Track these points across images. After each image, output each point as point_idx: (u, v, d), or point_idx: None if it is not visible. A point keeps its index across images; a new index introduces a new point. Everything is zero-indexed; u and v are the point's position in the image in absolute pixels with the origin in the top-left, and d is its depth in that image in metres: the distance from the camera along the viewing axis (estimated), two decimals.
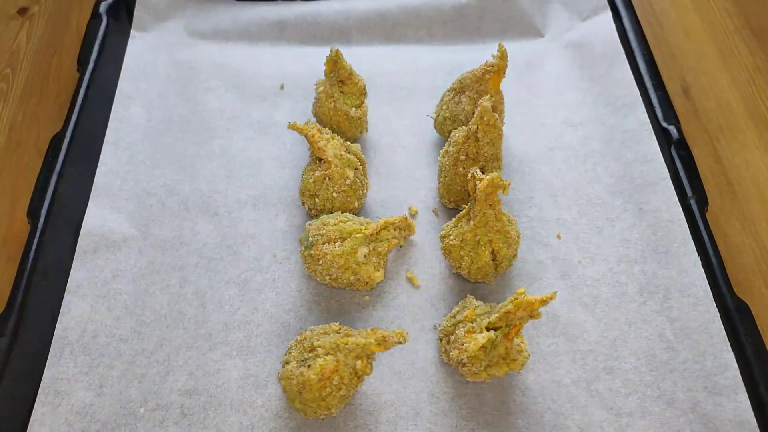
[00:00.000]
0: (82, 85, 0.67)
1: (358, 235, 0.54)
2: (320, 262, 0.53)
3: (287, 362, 0.49)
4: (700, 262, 0.57)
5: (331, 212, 0.57)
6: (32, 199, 0.59)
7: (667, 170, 0.62)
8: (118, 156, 0.65)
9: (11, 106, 0.71)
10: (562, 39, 0.76)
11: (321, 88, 0.63)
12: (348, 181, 0.57)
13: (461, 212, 0.56)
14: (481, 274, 0.55)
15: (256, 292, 0.57)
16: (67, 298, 0.55)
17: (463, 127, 0.60)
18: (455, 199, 0.61)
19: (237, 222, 0.62)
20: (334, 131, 0.63)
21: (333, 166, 0.56)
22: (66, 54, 0.76)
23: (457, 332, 0.50)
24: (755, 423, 0.49)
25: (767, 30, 0.78)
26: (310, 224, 0.55)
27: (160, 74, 0.72)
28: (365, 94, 0.65)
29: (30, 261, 0.55)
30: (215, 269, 0.58)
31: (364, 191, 0.60)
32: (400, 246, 0.59)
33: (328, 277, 0.54)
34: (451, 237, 0.55)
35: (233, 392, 0.52)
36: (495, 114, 0.56)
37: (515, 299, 0.47)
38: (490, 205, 0.52)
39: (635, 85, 0.69)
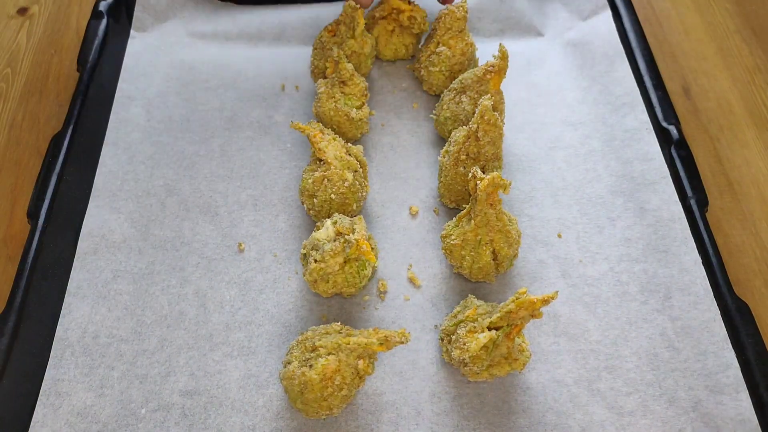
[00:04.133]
0: (82, 85, 0.67)
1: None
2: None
3: (289, 362, 0.49)
4: (700, 261, 0.57)
5: (329, 213, 0.57)
6: (32, 199, 0.59)
7: (667, 169, 0.63)
8: (118, 156, 0.65)
9: (11, 106, 0.71)
10: (562, 38, 0.76)
11: (322, 89, 0.63)
12: (347, 184, 0.57)
13: (462, 212, 0.56)
14: (482, 273, 0.55)
15: (256, 293, 0.57)
16: (67, 299, 0.55)
17: (464, 126, 0.60)
18: (456, 198, 0.61)
19: (237, 222, 0.61)
20: (334, 132, 0.63)
21: (332, 167, 0.56)
22: (66, 54, 0.75)
23: (458, 332, 0.50)
24: (756, 422, 0.49)
25: (767, 30, 0.78)
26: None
27: (159, 74, 0.72)
28: (366, 95, 0.65)
29: (30, 261, 0.55)
30: (216, 269, 0.58)
31: (364, 194, 0.60)
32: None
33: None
34: (452, 237, 0.55)
35: (234, 393, 0.52)
36: (495, 113, 0.56)
37: (517, 299, 0.47)
38: (491, 204, 0.52)
39: (635, 84, 0.69)
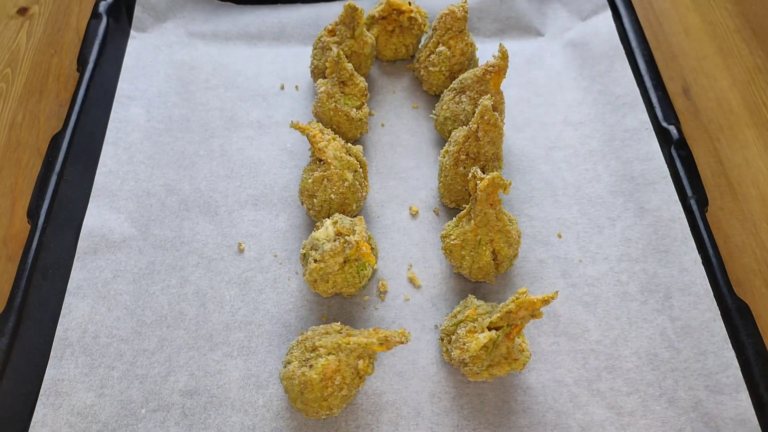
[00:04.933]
0: (82, 85, 0.67)
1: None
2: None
3: (289, 362, 0.49)
4: (700, 261, 0.57)
5: (329, 213, 0.57)
6: (32, 199, 0.59)
7: (667, 169, 0.63)
8: (118, 156, 0.65)
9: (11, 106, 0.71)
10: (561, 38, 0.77)
11: (322, 89, 0.63)
12: (346, 184, 0.57)
13: (462, 212, 0.56)
14: (482, 273, 0.55)
15: (256, 292, 0.57)
16: (67, 299, 0.55)
17: (464, 126, 0.60)
18: (456, 198, 0.61)
19: (237, 222, 0.61)
20: (334, 132, 0.63)
21: (332, 167, 0.56)
22: (66, 54, 0.75)
23: (458, 332, 0.50)
24: (756, 422, 0.49)
25: (767, 30, 0.78)
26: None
27: (159, 74, 0.72)
28: (366, 95, 0.65)
29: (30, 261, 0.55)
30: (216, 269, 0.58)
31: (364, 194, 0.60)
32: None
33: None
34: (452, 237, 0.55)
35: (234, 392, 0.52)
36: (495, 113, 0.56)
37: (517, 299, 0.47)
38: (491, 204, 0.52)
39: (635, 84, 0.69)
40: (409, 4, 0.70)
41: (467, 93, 0.63)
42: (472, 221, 0.53)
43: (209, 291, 0.57)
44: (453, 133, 0.60)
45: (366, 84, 0.65)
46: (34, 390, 0.51)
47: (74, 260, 0.57)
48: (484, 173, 0.54)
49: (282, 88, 0.72)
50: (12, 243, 0.61)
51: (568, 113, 0.70)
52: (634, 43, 0.72)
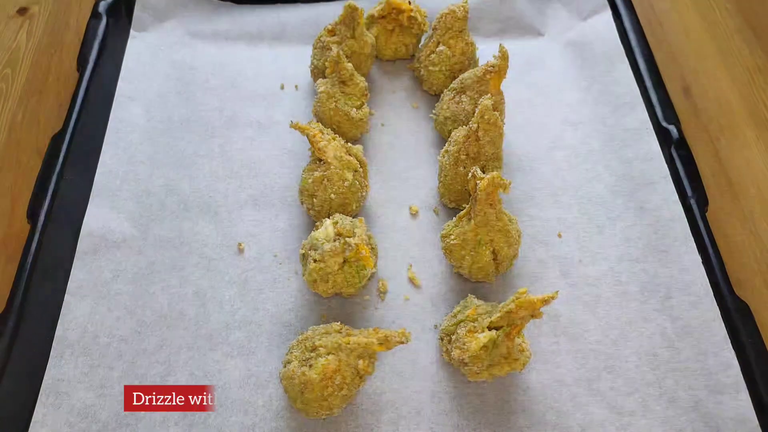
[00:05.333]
0: (82, 85, 0.67)
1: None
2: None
3: (289, 362, 0.49)
4: (700, 260, 0.57)
5: (329, 213, 0.57)
6: (32, 199, 0.59)
7: (667, 169, 0.63)
8: (118, 156, 0.65)
9: (11, 106, 0.71)
10: (562, 38, 0.77)
11: (322, 88, 0.63)
12: (346, 184, 0.57)
13: (462, 212, 0.56)
14: (482, 273, 0.55)
15: (256, 292, 0.57)
16: (67, 299, 0.55)
17: (464, 126, 0.60)
18: (456, 198, 0.61)
19: (237, 222, 0.61)
20: (334, 132, 0.63)
21: (332, 167, 0.56)
22: (66, 54, 0.75)
23: (458, 332, 0.50)
24: (756, 422, 0.49)
25: (767, 30, 0.78)
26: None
27: (159, 74, 0.72)
28: (366, 95, 0.65)
29: (30, 261, 0.55)
30: (216, 269, 0.58)
31: (364, 194, 0.60)
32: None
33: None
34: (452, 237, 0.55)
35: (234, 392, 0.52)
36: (496, 113, 0.56)
37: (517, 299, 0.47)
38: (491, 204, 0.52)
39: (635, 84, 0.69)
40: (409, 3, 0.70)
41: (467, 93, 0.63)
42: (472, 221, 0.53)
43: (209, 291, 0.57)
44: (453, 133, 0.60)
45: (366, 84, 0.65)
46: (34, 390, 0.50)
47: (74, 260, 0.57)
48: (484, 173, 0.54)
49: (282, 88, 0.72)
50: (12, 243, 0.61)
51: (568, 113, 0.70)
52: (634, 43, 0.72)
